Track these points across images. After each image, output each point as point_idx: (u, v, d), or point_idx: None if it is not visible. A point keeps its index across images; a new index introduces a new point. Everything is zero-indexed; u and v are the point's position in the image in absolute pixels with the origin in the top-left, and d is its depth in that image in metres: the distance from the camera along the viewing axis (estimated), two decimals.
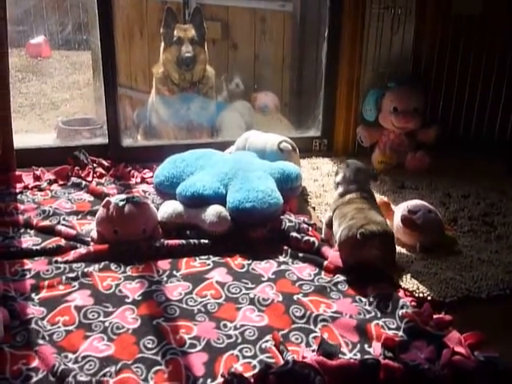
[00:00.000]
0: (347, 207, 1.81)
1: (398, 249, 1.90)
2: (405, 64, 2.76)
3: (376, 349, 1.40)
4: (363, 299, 1.62)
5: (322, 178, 2.52)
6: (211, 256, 1.85)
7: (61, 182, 2.39)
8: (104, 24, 2.47)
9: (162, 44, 3.17)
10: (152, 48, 3.64)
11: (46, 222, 2.01)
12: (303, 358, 1.33)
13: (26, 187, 2.32)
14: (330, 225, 1.89)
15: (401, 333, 1.47)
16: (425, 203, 1.98)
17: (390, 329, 1.49)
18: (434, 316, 1.53)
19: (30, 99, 4.50)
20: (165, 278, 1.72)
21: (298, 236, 1.90)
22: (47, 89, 4.68)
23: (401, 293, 1.63)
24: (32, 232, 1.96)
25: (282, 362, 1.34)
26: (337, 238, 1.78)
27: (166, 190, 2.12)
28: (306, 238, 1.89)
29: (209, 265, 1.80)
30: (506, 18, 2.65)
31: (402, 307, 1.55)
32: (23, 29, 3.99)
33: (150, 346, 1.40)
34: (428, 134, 2.67)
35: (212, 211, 1.95)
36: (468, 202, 2.30)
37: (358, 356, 1.39)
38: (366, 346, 1.43)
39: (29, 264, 1.76)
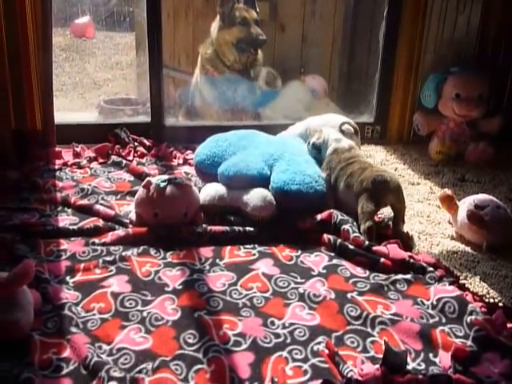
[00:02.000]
0: (351, 165, 1.86)
1: (462, 247, 1.73)
2: (470, 47, 2.57)
3: (444, 360, 1.23)
4: (425, 302, 1.46)
5: None
6: (256, 245, 1.72)
7: (101, 160, 2.31)
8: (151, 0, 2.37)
9: (218, 23, 2.99)
10: (197, 28, 3.51)
11: (84, 201, 1.92)
12: (361, 370, 1.18)
13: (65, 164, 2.25)
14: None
15: (470, 342, 1.30)
16: (493, 198, 1.80)
17: (457, 337, 1.33)
18: (508, 325, 1.36)
19: (73, 78, 4.46)
20: (207, 267, 1.59)
21: (350, 230, 1.73)
22: (90, 68, 4.64)
23: (469, 297, 1.46)
24: (69, 211, 1.88)
25: (338, 375, 1.18)
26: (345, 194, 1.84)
27: (207, 170, 2.00)
28: (357, 234, 1.72)
29: (254, 255, 1.67)
30: None
31: (470, 313, 1.38)
32: None
33: (190, 341, 1.28)
34: (492, 123, 2.47)
35: (256, 194, 1.83)
36: None
37: (423, 366, 1.23)
38: (430, 354, 1.27)
39: (65, 244, 1.67)
